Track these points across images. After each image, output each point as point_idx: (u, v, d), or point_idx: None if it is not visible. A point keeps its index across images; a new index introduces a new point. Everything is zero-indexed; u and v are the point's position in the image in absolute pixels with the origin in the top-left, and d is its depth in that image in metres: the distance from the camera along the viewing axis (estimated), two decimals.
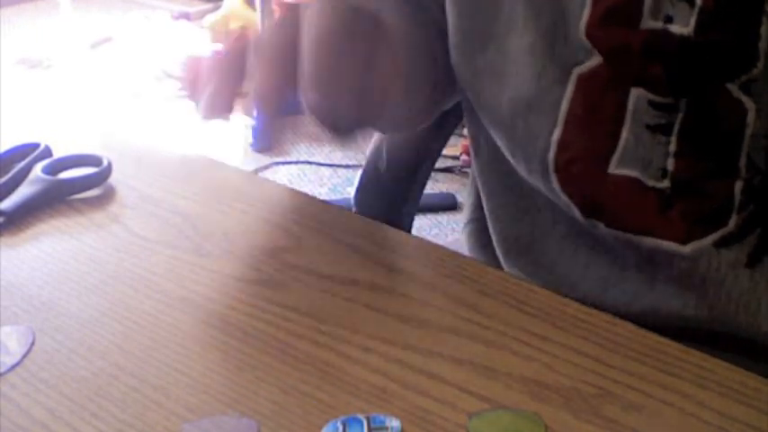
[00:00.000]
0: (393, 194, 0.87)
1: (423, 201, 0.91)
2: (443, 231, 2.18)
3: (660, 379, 0.44)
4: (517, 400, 0.43)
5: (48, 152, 0.66)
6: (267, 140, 2.65)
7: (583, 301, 0.51)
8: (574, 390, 0.44)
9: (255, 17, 3.07)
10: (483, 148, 0.66)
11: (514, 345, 0.47)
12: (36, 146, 0.66)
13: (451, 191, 2.30)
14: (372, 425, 0.41)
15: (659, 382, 0.44)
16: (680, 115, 0.54)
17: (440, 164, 2.46)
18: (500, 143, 0.62)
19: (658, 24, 0.53)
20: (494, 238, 0.68)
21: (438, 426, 0.41)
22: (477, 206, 0.76)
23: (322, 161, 2.53)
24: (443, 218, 2.24)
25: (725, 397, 0.43)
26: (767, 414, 0.42)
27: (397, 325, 0.49)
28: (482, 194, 0.69)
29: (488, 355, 0.46)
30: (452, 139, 1.17)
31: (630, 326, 0.49)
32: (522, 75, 0.58)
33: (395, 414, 0.42)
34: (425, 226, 2.19)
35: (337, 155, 2.56)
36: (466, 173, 2.35)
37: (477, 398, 0.43)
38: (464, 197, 1.00)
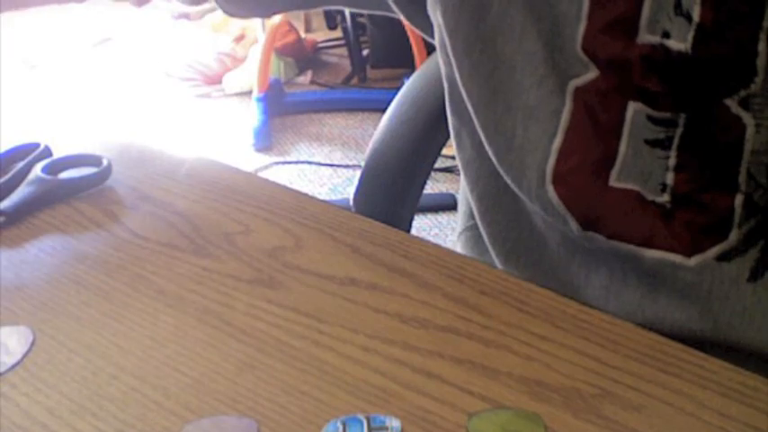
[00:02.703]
0: (393, 194, 0.87)
1: (423, 201, 0.91)
2: (443, 231, 2.18)
3: (660, 379, 0.44)
4: (517, 400, 0.43)
5: (48, 152, 0.66)
6: (267, 140, 2.65)
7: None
8: (574, 390, 0.44)
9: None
10: (465, 143, 0.65)
11: (514, 345, 0.47)
12: (36, 146, 0.66)
13: (451, 191, 2.30)
14: (372, 425, 0.41)
15: (659, 382, 0.44)
16: (679, 130, 0.54)
17: (440, 164, 2.46)
18: (491, 149, 0.61)
19: (656, 39, 0.53)
20: (488, 244, 0.67)
21: (438, 426, 0.41)
22: (471, 214, 0.76)
23: (322, 161, 2.53)
24: (443, 218, 2.24)
25: (725, 397, 0.43)
26: (767, 414, 0.42)
27: (397, 325, 0.49)
28: (471, 197, 0.68)
29: (488, 355, 0.46)
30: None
31: (630, 326, 0.49)
32: (522, 82, 0.57)
33: (395, 414, 0.42)
34: (425, 226, 2.19)
35: (337, 155, 2.56)
36: None
37: (477, 398, 0.43)
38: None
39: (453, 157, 0.68)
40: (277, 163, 2.54)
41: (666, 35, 0.52)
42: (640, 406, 0.43)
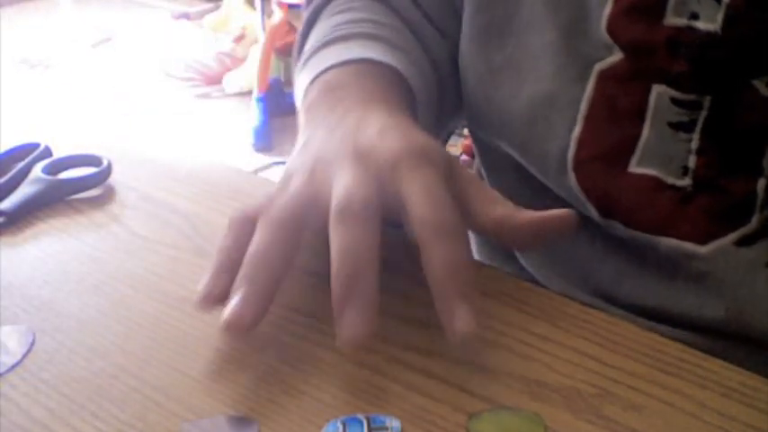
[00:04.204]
0: None
1: None
2: None
3: (660, 379, 0.44)
4: (517, 400, 0.43)
5: (48, 152, 0.66)
6: (267, 140, 2.66)
7: (593, 294, 0.51)
8: (574, 390, 0.44)
9: (255, 17, 3.07)
10: (491, 146, 0.66)
11: (514, 345, 0.47)
12: (36, 146, 0.66)
13: None
14: (372, 425, 0.41)
15: (659, 382, 0.44)
16: (703, 113, 0.54)
17: None
18: (510, 141, 0.61)
19: (682, 21, 0.53)
20: None
21: (438, 426, 0.41)
22: None
23: None
24: None
25: (725, 397, 0.43)
26: (767, 414, 0.42)
27: (397, 325, 0.49)
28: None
29: (488, 355, 0.46)
30: (452, 139, 1.16)
31: (630, 326, 0.49)
32: (542, 71, 0.58)
33: (395, 414, 0.42)
34: None
35: None
36: None
37: (477, 398, 0.43)
38: None
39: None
40: (277, 163, 2.54)
41: (694, 17, 0.52)
42: (640, 406, 0.43)
